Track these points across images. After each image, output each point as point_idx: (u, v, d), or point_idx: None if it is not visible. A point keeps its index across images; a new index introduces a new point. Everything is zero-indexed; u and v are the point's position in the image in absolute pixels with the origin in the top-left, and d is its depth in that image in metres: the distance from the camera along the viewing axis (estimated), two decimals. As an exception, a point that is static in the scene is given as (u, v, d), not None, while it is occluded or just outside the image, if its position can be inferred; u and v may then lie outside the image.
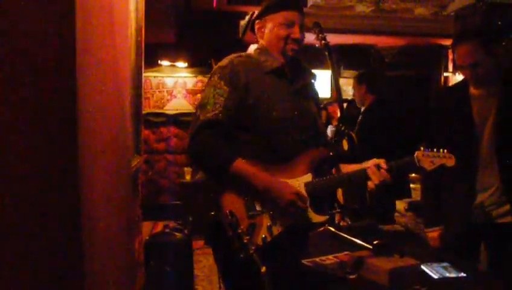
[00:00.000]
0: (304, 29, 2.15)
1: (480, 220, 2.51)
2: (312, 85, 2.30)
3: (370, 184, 2.08)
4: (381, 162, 2.09)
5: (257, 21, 2.18)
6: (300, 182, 2.05)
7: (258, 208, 1.99)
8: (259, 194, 1.97)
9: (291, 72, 2.16)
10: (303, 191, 2.02)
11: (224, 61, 2.09)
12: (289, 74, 2.15)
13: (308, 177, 2.06)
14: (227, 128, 2.01)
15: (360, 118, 4.77)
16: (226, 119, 1.99)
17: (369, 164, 2.10)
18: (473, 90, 2.53)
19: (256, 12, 2.20)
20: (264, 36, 2.16)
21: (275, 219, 1.99)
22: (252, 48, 2.27)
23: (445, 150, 2.10)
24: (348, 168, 2.19)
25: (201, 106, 2.04)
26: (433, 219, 2.67)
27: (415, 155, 2.10)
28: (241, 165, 1.96)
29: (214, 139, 1.98)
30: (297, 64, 2.21)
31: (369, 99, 4.55)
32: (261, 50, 2.18)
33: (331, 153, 2.20)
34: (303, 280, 2.20)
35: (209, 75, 2.16)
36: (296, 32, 2.10)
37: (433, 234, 2.64)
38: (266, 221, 1.99)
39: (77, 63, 1.35)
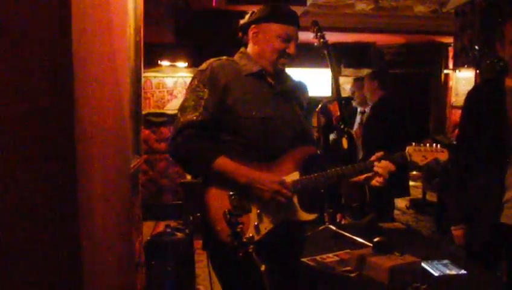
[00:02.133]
0: (297, 46, 2.15)
1: (509, 220, 2.42)
2: (296, 92, 2.29)
3: (375, 181, 2.07)
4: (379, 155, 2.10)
5: (253, 25, 2.16)
6: (287, 180, 2.03)
7: (245, 206, 1.95)
8: (244, 190, 1.96)
9: (272, 77, 2.17)
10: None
11: (204, 65, 2.11)
12: (269, 78, 2.16)
13: (295, 175, 2.06)
14: (209, 128, 2.02)
15: (368, 113, 4.83)
16: (206, 120, 2.00)
17: (373, 158, 2.10)
18: (509, 83, 2.48)
19: (254, 16, 2.19)
20: (258, 42, 2.15)
21: (262, 218, 2.00)
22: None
23: (438, 145, 2.11)
24: None
25: (182, 108, 2.05)
26: (458, 216, 2.61)
27: (406, 150, 2.10)
28: (223, 161, 1.96)
29: (195, 139, 1.98)
30: (279, 72, 2.21)
31: (378, 95, 4.64)
32: (242, 55, 2.20)
33: (318, 152, 2.19)
34: (298, 278, 2.20)
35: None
36: (292, 48, 2.10)
37: (458, 231, 2.59)
38: (253, 220, 1.99)
39: (74, 63, 1.35)
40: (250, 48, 2.19)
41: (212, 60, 2.13)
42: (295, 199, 2.04)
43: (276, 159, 2.06)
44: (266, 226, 2.00)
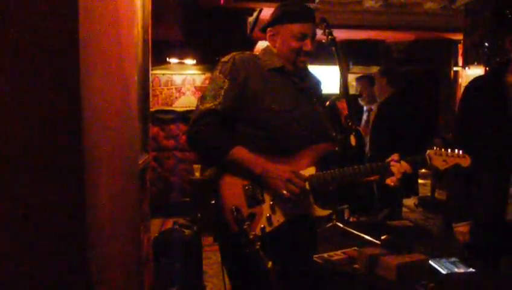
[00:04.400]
0: (315, 40, 2.16)
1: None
2: (317, 90, 2.31)
3: (389, 181, 2.04)
4: (396, 157, 2.06)
5: (269, 28, 2.19)
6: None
7: (258, 197, 2.00)
8: (259, 181, 1.98)
9: (294, 73, 2.18)
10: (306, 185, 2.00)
11: (227, 57, 2.13)
12: (291, 74, 2.17)
13: (311, 171, 2.06)
14: (227, 118, 2.04)
15: (376, 110, 4.81)
16: (226, 110, 2.02)
17: (388, 160, 2.07)
18: (509, 79, 2.44)
19: (269, 19, 2.20)
20: (275, 44, 2.17)
21: (275, 210, 2.00)
22: (260, 45, 2.28)
23: (461, 151, 2.05)
24: None
25: (201, 97, 2.09)
26: (462, 213, 2.57)
27: (426, 153, 2.06)
28: (239, 151, 1.98)
29: (212, 127, 2.01)
30: (302, 69, 2.22)
31: (388, 92, 4.62)
32: (266, 51, 2.21)
33: (336, 149, 2.18)
34: (310, 274, 2.20)
35: (216, 72, 2.19)
36: (308, 45, 2.11)
37: (462, 229, 2.56)
38: (266, 211, 1.99)
39: (80, 61, 1.35)
40: (272, 48, 2.21)
41: (235, 52, 2.15)
42: (310, 194, 2.04)
43: (293, 153, 2.07)
44: (279, 218, 2.00)
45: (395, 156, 2.07)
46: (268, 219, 1.99)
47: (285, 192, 1.94)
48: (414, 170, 2.09)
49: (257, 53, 2.26)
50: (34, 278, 1.38)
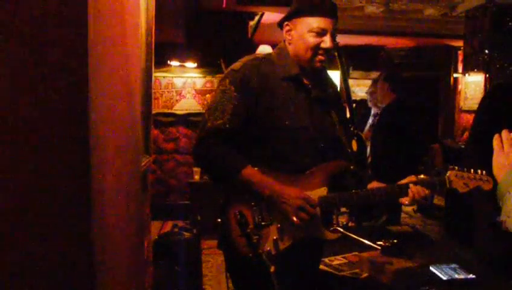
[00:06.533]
0: (335, 37, 1.98)
1: None
2: (334, 96, 2.16)
3: (404, 200, 1.94)
4: (413, 179, 1.96)
5: (286, 22, 2.00)
6: (313, 195, 1.92)
7: (265, 219, 1.90)
8: (267, 203, 1.89)
9: (310, 81, 2.04)
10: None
11: (237, 65, 1.99)
12: (307, 82, 2.03)
13: (323, 191, 1.95)
14: (236, 136, 1.93)
15: (378, 116, 4.81)
16: (234, 127, 1.91)
17: (404, 181, 1.97)
18: None
19: (287, 12, 2.02)
20: (292, 40, 1.99)
21: (283, 233, 1.90)
22: (262, 49, 2.23)
23: (484, 172, 1.91)
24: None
25: (210, 110, 1.96)
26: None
27: (446, 175, 1.94)
28: (249, 172, 1.88)
29: (221, 146, 1.91)
30: (319, 74, 2.08)
31: (390, 98, 4.62)
32: (281, 52, 2.05)
33: (351, 167, 2.05)
34: (313, 282, 2.19)
35: (218, 76, 2.13)
36: (327, 41, 1.93)
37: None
38: (273, 234, 1.90)
39: (89, 65, 1.36)
40: (287, 47, 2.03)
41: (247, 58, 2.01)
42: (319, 218, 1.93)
43: (305, 171, 1.96)
44: (285, 242, 1.91)
45: (412, 178, 1.97)
46: (275, 242, 1.90)
47: (295, 219, 1.85)
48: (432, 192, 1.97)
49: (271, 52, 2.09)
50: (40, 277, 1.38)
